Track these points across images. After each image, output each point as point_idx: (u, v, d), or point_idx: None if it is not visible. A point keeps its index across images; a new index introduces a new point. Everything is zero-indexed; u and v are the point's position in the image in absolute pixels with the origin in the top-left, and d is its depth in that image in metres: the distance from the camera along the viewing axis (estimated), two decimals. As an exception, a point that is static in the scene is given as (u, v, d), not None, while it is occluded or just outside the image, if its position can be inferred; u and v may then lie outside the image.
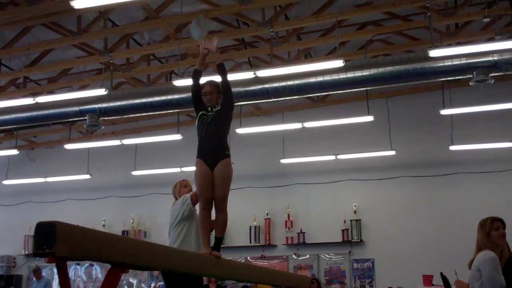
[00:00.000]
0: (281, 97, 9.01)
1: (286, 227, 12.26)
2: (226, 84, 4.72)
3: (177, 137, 11.37)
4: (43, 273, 12.87)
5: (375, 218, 11.81)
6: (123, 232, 13.30)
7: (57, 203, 13.97)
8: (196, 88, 4.77)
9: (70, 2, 6.26)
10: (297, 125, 11.09)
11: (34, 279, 12.66)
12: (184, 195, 5.31)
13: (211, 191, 4.50)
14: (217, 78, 4.86)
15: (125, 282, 13.30)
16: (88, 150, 12.92)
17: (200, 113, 4.63)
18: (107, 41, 9.36)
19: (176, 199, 5.45)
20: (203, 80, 4.89)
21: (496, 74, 7.93)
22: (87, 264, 13.70)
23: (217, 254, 4.50)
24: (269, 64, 9.21)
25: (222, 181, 4.49)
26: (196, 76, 4.85)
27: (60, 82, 11.09)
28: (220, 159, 4.48)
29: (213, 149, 4.50)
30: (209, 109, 4.61)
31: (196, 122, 4.64)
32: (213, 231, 4.79)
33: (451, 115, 10.55)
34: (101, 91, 8.66)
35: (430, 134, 11.67)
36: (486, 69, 7.80)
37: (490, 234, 4.43)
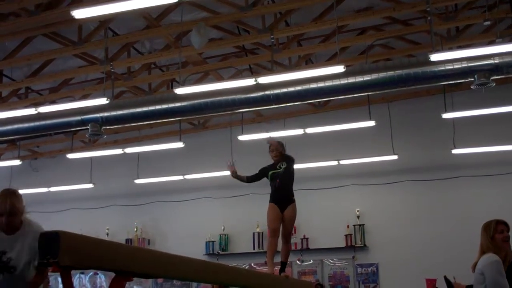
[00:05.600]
0: (282, 104, 9.01)
1: (289, 233, 12.24)
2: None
3: (179, 145, 11.37)
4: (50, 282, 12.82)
5: (378, 222, 11.79)
6: (127, 240, 13.29)
7: (60, 213, 13.96)
8: (254, 179, 6.30)
9: (71, 12, 6.29)
10: (298, 131, 11.09)
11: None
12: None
13: (279, 225, 5.88)
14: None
15: (129, 290, 13.29)
16: (91, 159, 12.93)
17: (271, 172, 6.03)
18: (108, 50, 9.39)
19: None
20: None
21: (497, 77, 7.90)
22: (91, 273, 13.68)
23: (286, 274, 5.87)
24: (270, 71, 9.22)
25: (290, 221, 5.98)
26: (248, 181, 6.38)
27: (62, 92, 11.12)
28: (289, 204, 5.97)
29: (283, 197, 5.96)
30: (277, 166, 6.03)
31: (269, 178, 6.07)
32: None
33: (453, 119, 10.54)
34: (103, 100, 8.67)
35: (432, 138, 11.66)
36: (488, 72, 7.78)
37: (494, 237, 4.41)
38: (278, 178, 6.00)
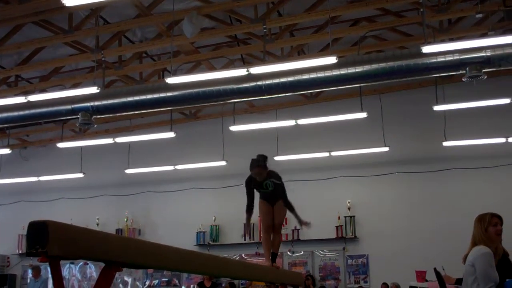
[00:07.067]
0: (274, 94, 8.98)
1: (280, 224, 12.25)
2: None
3: (170, 134, 11.34)
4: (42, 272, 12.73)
5: (369, 214, 11.84)
6: (117, 230, 13.28)
7: (50, 202, 13.91)
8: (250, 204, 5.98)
9: (61, 0, 6.21)
10: (290, 122, 11.09)
11: (31, 277, 12.58)
12: None
13: (271, 221, 5.96)
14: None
15: (119, 280, 13.28)
16: (81, 148, 12.87)
17: (260, 191, 5.91)
18: (99, 39, 9.30)
19: None
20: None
21: (489, 70, 7.92)
22: (81, 263, 13.66)
23: (277, 265, 6.02)
24: (262, 61, 9.18)
25: (281, 213, 6.02)
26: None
27: (52, 80, 11.03)
28: (279, 198, 5.95)
29: (273, 198, 5.98)
30: (263, 186, 5.83)
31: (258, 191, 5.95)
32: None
33: (444, 111, 10.58)
34: (94, 89, 8.61)
35: (424, 130, 11.70)
36: (479, 65, 7.79)
37: (488, 230, 4.43)
38: (268, 195, 5.92)
